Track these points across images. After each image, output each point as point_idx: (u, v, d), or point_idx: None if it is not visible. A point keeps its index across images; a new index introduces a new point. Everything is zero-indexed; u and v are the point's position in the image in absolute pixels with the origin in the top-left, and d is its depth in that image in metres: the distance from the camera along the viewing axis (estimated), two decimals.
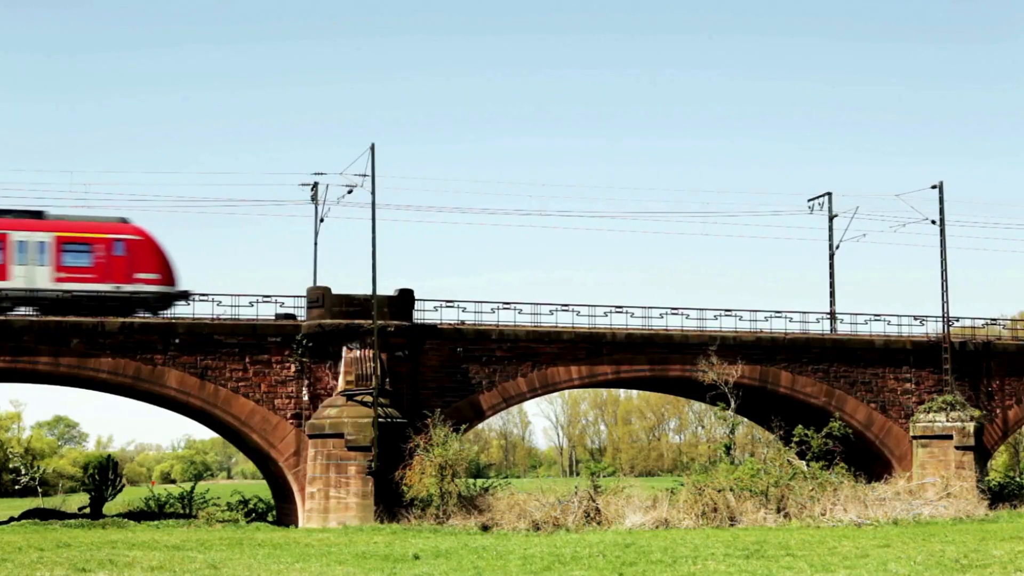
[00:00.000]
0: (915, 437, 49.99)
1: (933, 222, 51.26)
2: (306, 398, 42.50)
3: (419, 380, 43.65)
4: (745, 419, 63.57)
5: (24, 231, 42.19)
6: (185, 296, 43.89)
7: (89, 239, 42.75)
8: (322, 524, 39.80)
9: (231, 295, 42.87)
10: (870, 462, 49.18)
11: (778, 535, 33.56)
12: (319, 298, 42.67)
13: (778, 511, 39.67)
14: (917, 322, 51.86)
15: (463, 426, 42.15)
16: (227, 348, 42.10)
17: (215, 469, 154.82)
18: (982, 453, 50.00)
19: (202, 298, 43.37)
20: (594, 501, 39.17)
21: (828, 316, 52.24)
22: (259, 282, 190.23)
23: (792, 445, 44.60)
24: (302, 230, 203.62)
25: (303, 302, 43.81)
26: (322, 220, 48.74)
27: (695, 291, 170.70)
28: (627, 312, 47.64)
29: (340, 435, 40.58)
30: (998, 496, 50.62)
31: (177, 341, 41.55)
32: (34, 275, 41.96)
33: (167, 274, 43.70)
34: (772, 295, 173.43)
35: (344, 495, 40.29)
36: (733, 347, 47.92)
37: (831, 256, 55.59)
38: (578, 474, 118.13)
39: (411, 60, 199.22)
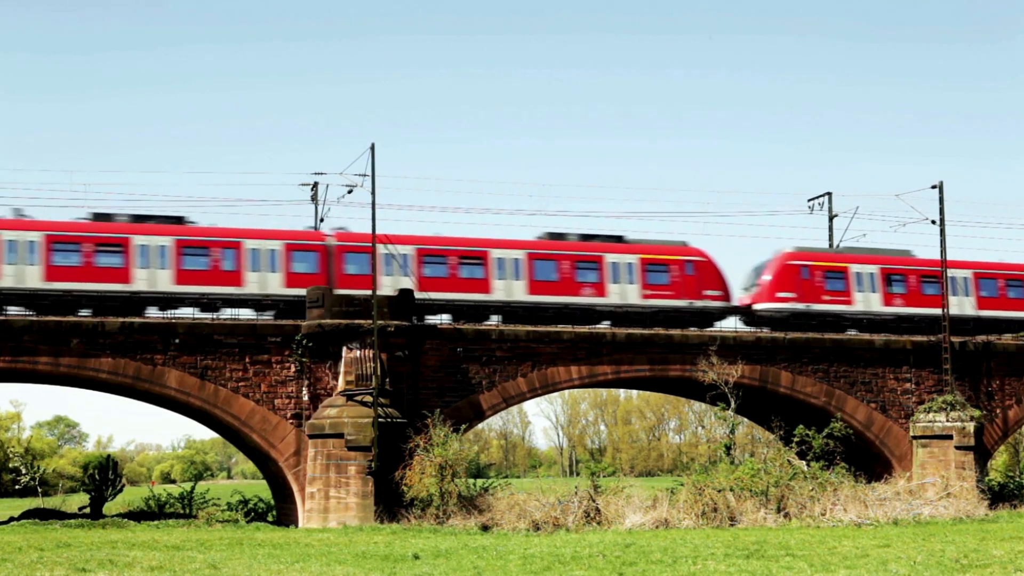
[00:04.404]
0: (915, 437, 49.98)
1: (933, 222, 51.25)
2: (306, 398, 42.48)
3: (419, 380, 43.64)
4: (745, 419, 63.58)
5: (614, 253, 47.93)
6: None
7: (666, 261, 48.15)
8: (322, 524, 39.78)
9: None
10: (870, 462, 49.16)
11: (778, 535, 33.54)
12: (319, 298, 42.65)
13: (778, 511, 39.62)
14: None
15: (463, 426, 42.12)
16: (227, 348, 42.09)
17: (215, 469, 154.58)
18: (982, 453, 49.96)
19: None
20: (594, 501, 39.11)
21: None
22: None
23: (792, 445, 44.55)
24: None
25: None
26: (322, 220, 48.94)
27: None
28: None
29: (340, 435, 40.56)
30: (998, 496, 50.58)
31: (177, 341, 41.54)
32: (625, 292, 47.65)
33: (726, 291, 49.59)
34: None
35: (344, 495, 40.27)
36: (733, 347, 47.89)
37: None
38: (578, 474, 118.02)
39: (411, 60, 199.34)
